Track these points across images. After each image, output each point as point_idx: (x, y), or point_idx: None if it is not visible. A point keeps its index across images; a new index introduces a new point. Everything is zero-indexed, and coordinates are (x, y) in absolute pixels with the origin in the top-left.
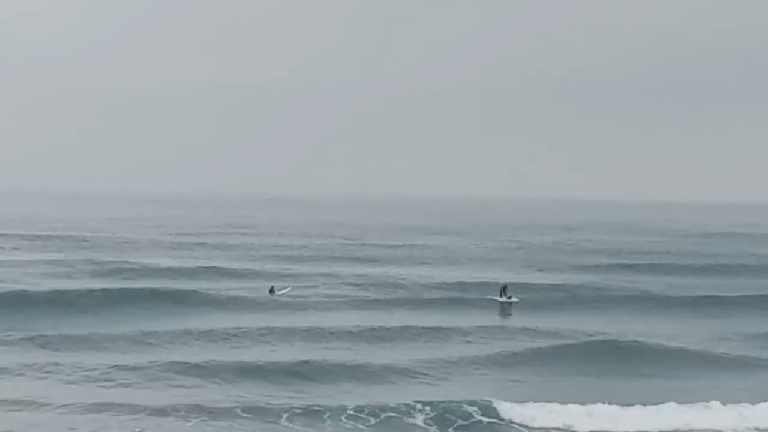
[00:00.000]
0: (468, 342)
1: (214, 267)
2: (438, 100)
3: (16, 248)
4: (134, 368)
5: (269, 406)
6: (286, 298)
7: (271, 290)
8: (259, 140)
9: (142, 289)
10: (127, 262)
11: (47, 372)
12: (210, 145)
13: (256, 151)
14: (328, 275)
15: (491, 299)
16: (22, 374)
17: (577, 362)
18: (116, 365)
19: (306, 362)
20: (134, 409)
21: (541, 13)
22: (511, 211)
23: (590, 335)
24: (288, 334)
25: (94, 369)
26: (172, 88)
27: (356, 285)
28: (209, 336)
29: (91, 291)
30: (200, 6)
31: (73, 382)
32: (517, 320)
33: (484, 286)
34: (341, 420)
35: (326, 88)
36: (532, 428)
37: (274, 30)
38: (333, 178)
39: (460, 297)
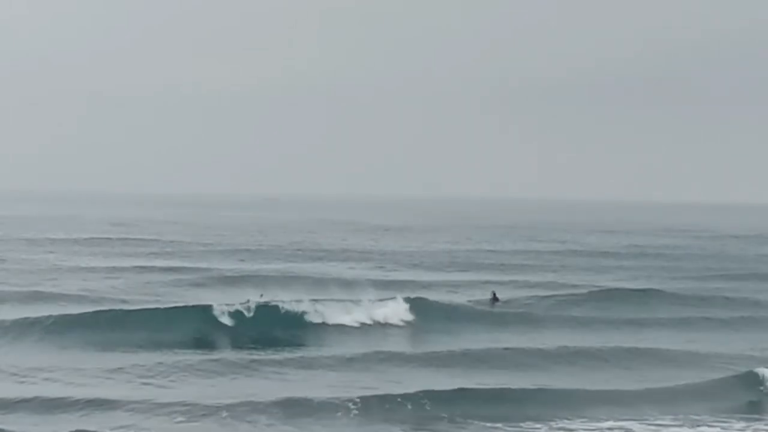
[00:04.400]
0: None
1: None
2: (438, 99)
3: (151, 255)
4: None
5: None
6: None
7: (261, 296)
8: (259, 140)
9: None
10: (287, 270)
11: None
12: (210, 146)
13: (256, 151)
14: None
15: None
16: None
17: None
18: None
19: None
20: None
21: (538, 12)
22: (529, 212)
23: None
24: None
25: None
26: (171, 89)
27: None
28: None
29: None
30: (200, 6)
31: None
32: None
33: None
34: None
35: (327, 88)
36: None
37: (273, 30)
38: (333, 178)
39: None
